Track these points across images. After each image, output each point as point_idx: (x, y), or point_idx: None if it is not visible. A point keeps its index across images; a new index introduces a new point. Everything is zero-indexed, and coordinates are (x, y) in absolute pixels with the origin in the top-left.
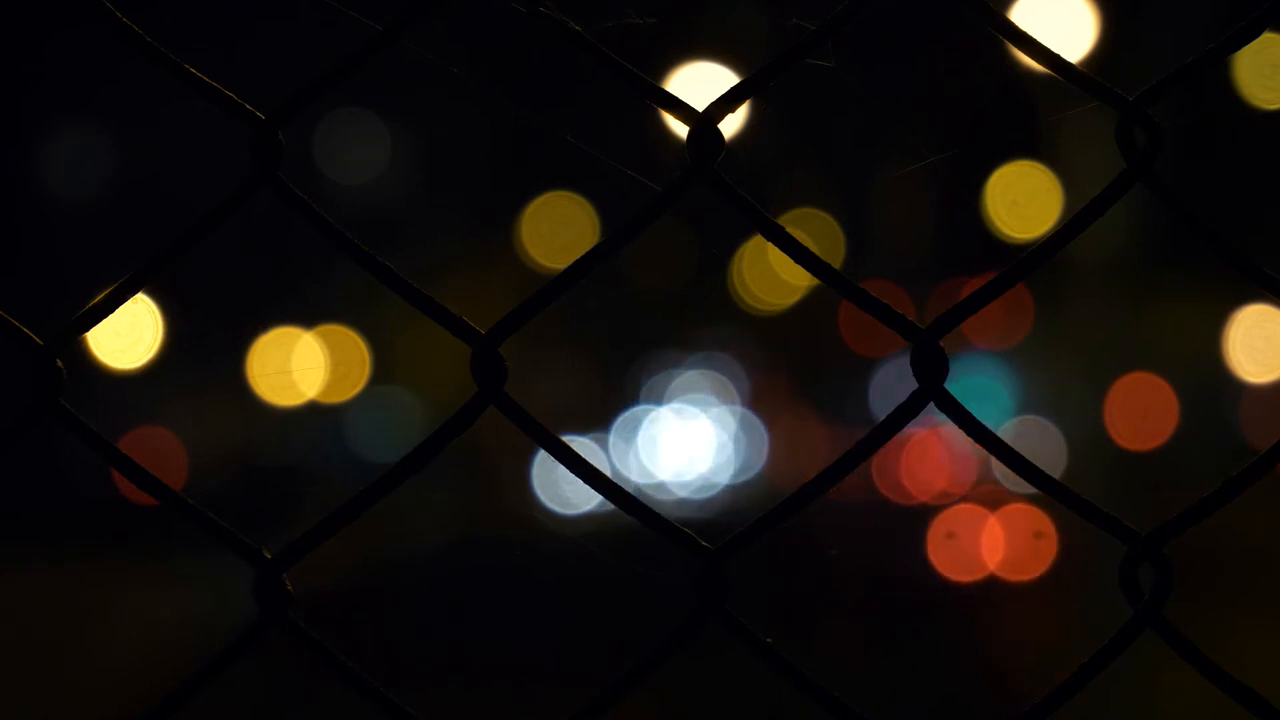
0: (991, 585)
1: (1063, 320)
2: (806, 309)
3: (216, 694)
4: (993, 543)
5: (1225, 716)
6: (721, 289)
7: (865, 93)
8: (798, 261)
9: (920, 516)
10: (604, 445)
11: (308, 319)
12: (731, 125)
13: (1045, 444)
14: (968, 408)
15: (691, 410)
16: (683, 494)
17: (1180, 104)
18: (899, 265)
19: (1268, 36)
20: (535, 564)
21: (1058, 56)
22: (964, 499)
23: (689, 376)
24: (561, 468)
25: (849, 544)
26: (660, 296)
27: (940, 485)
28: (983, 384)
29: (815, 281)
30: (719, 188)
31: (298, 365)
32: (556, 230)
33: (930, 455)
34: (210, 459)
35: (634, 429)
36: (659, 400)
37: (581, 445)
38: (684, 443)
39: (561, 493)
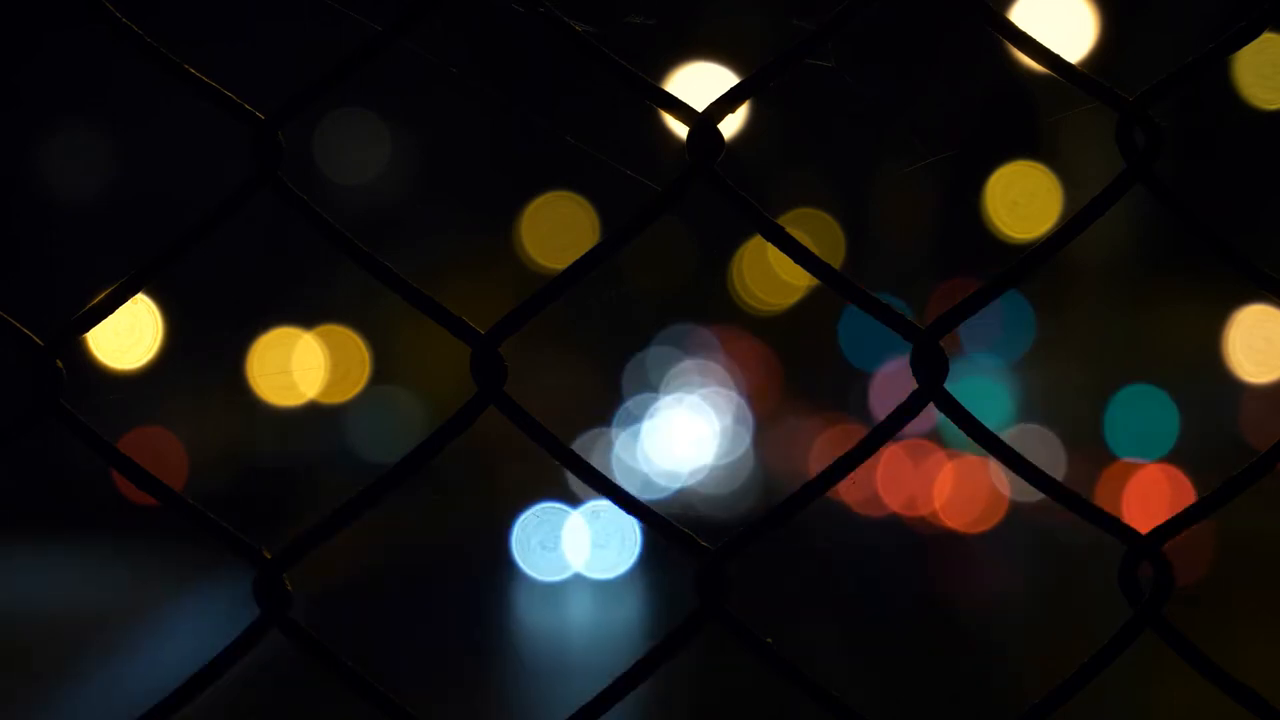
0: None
1: (1063, 321)
2: (806, 309)
3: (216, 694)
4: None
5: (1225, 716)
6: (721, 289)
7: (865, 93)
8: (798, 262)
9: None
10: (602, 446)
11: (308, 319)
12: (731, 125)
13: (1045, 445)
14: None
15: (690, 413)
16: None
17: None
18: (899, 266)
19: (1268, 36)
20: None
21: (1058, 56)
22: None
23: (688, 377)
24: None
25: (846, 543)
26: (660, 296)
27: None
28: (983, 386)
29: (815, 281)
30: (719, 187)
31: (298, 365)
32: (556, 230)
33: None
34: (210, 459)
35: (632, 431)
36: (657, 401)
37: (580, 445)
38: (682, 446)
39: None
